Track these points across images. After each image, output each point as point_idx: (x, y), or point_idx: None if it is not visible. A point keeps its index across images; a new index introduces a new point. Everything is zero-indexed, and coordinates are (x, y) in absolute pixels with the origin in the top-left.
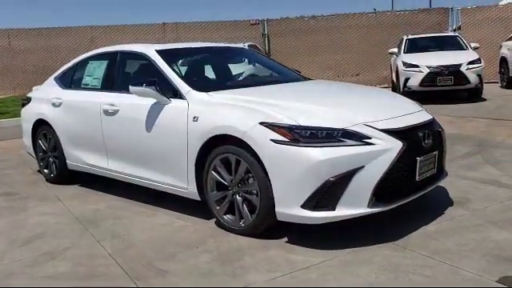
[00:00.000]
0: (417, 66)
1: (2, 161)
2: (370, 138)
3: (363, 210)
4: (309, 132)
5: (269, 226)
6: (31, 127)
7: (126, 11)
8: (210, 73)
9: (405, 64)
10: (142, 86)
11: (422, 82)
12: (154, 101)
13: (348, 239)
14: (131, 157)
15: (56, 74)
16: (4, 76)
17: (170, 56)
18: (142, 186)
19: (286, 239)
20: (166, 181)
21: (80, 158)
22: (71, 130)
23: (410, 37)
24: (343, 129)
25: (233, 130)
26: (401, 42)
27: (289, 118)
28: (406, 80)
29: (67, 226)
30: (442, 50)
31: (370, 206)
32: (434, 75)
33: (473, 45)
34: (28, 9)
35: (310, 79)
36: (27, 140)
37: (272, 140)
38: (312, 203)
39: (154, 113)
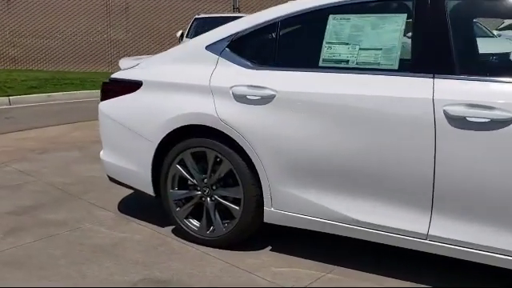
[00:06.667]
0: None
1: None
2: None
3: None
4: None
5: None
6: (158, 141)
7: None
8: None
9: None
10: None
11: None
12: None
13: None
14: None
15: (208, 38)
16: None
17: None
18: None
19: None
20: None
21: (316, 204)
22: (302, 151)
23: None
24: None
25: None
26: None
27: None
28: None
29: None
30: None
31: None
32: None
33: None
34: None
35: None
36: (133, 163)
37: None
38: None
39: None
